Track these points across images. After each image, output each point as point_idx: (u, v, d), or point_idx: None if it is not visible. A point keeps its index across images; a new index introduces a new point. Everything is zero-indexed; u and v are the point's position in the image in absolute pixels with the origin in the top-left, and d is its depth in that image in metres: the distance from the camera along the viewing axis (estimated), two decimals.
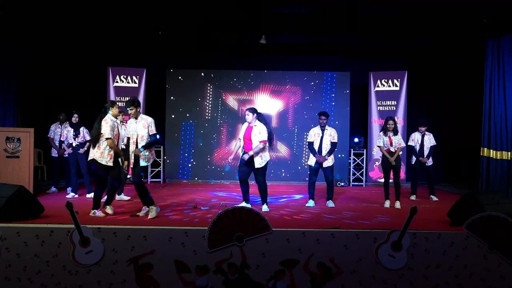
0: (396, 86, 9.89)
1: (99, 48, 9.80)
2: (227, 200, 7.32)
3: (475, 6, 7.44)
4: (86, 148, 7.33)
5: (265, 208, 6.27)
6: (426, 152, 7.56)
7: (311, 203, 6.85)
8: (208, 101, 10.08)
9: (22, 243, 3.83)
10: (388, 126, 6.85)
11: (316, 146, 6.81)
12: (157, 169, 9.98)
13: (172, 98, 10.04)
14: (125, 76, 9.93)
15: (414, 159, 7.68)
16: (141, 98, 9.92)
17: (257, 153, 6.11)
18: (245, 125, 6.30)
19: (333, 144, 6.76)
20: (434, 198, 7.60)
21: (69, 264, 3.80)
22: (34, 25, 8.25)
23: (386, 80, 9.97)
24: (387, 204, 6.91)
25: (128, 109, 5.57)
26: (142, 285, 3.82)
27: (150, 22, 8.62)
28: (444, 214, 5.55)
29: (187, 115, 10.03)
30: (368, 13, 7.97)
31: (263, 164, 6.16)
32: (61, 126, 7.86)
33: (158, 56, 10.17)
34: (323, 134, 6.80)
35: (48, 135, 7.89)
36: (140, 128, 5.58)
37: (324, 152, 6.74)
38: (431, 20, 8.19)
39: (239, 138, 6.41)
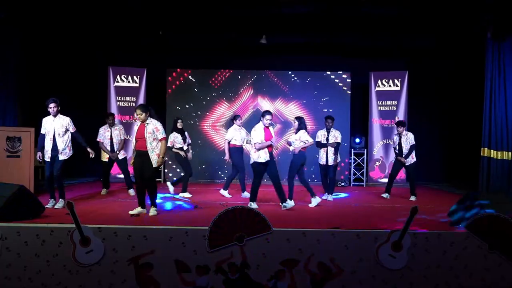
0: (397, 86, 9.89)
1: (99, 48, 9.79)
2: (228, 200, 7.32)
3: (475, 7, 7.43)
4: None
5: (152, 211, 5.80)
6: (405, 153, 7.53)
7: (325, 195, 7.49)
8: (208, 101, 10.08)
9: (23, 242, 3.83)
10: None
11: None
12: (157, 169, 9.97)
13: (172, 97, 10.04)
14: (125, 76, 9.92)
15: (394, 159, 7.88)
16: (141, 97, 9.92)
17: (154, 151, 5.75)
18: (138, 123, 5.83)
19: (337, 144, 7.38)
20: (413, 198, 7.44)
21: (70, 264, 3.80)
22: (34, 25, 8.24)
23: (386, 80, 9.97)
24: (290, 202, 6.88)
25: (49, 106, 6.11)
26: (142, 285, 3.82)
27: (151, 22, 8.61)
28: (444, 214, 5.55)
29: (188, 115, 10.03)
30: (368, 13, 7.97)
31: (156, 164, 5.77)
32: (111, 129, 7.59)
33: (159, 56, 10.16)
34: (328, 135, 7.44)
35: (98, 139, 7.55)
36: (58, 126, 6.16)
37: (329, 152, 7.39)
38: (431, 20, 8.19)
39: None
